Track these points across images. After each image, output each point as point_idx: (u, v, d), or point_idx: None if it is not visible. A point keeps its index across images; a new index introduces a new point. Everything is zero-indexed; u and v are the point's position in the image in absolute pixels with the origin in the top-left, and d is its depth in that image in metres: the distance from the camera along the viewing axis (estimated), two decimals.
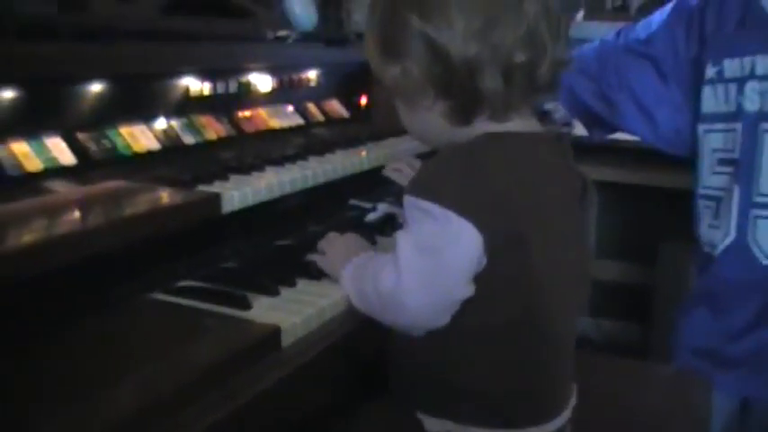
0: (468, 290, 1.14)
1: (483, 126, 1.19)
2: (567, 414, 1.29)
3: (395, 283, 1.14)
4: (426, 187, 1.15)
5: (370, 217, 1.68)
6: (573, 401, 1.31)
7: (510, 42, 1.13)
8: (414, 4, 1.16)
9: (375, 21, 1.23)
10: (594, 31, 2.67)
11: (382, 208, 1.69)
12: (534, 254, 1.16)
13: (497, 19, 1.13)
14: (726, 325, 1.88)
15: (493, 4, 1.14)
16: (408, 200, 1.16)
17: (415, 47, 1.16)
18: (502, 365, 1.20)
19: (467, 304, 1.15)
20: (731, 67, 1.84)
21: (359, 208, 1.80)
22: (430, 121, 1.23)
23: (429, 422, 1.23)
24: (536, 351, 1.21)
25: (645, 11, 2.23)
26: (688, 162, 1.99)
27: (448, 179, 1.15)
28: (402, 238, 1.16)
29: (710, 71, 1.88)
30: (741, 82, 1.82)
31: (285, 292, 1.30)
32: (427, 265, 1.13)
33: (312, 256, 1.41)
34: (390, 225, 1.64)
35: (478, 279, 1.14)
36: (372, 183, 1.81)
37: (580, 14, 3.17)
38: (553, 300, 1.21)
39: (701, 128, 1.91)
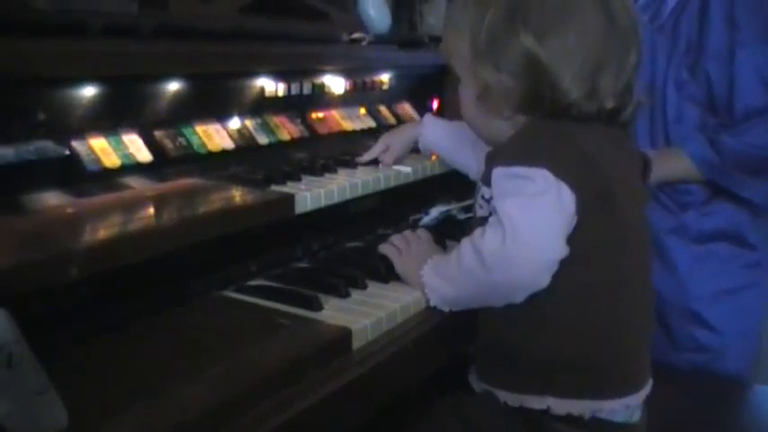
0: (564, 249, 1.16)
1: None
2: (646, 390, 1.30)
3: (501, 241, 1.16)
4: (519, 155, 1.19)
5: (425, 221, 1.68)
6: (650, 381, 1.32)
7: (609, 90, 1.20)
8: (531, 23, 1.18)
9: (482, 19, 1.23)
10: None
11: (435, 211, 1.68)
12: (619, 212, 1.21)
13: (605, 65, 1.19)
14: None
15: (606, 47, 1.19)
16: (501, 171, 1.20)
17: (520, 63, 1.19)
18: (596, 331, 1.23)
19: (562, 267, 1.17)
20: None
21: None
22: (499, 127, 1.28)
23: (527, 400, 1.24)
24: (625, 314, 1.25)
25: None
26: None
27: (538, 144, 1.20)
28: (502, 202, 1.18)
29: None
30: None
31: (356, 294, 1.30)
32: (530, 222, 1.16)
33: (384, 248, 1.41)
34: (449, 226, 1.65)
35: (571, 239, 1.17)
36: (442, 187, 1.80)
37: None
38: (637, 260, 1.28)
39: None
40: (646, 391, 1.30)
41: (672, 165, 1.95)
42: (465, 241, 1.23)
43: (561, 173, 1.15)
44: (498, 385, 1.29)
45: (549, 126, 1.22)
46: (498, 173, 1.21)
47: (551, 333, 1.23)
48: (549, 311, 1.21)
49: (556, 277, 1.18)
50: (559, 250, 1.16)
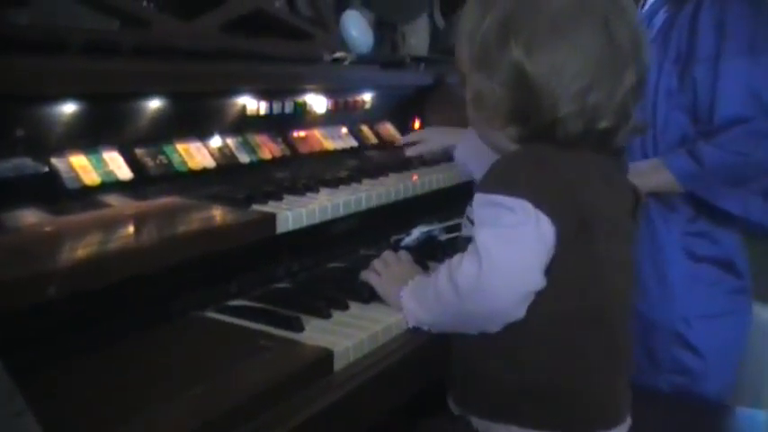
0: (542, 280, 1.15)
1: None
2: (624, 427, 1.28)
3: (477, 272, 1.14)
4: (499, 182, 1.18)
5: (407, 241, 1.67)
6: (629, 420, 1.29)
7: (601, 109, 1.17)
8: (522, 35, 1.17)
9: (479, 27, 1.22)
10: None
11: (416, 232, 1.68)
12: (598, 245, 1.19)
13: (597, 83, 1.16)
14: None
15: (599, 67, 1.16)
16: (481, 198, 1.18)
17: (509, 74, 1.18)
18: (567, 363, 1.21)
19: (538, 297, 1.15)
20: None
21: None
22: (495, 135, 1.27)
23: (494, 428, 1.23)
24: (599, 348, 1.23)
25: None
26: None
27: (519, 172, 1.18)
28: (480, 231, 1.17)
29: None
30: None
31: (337, 315, 1.29)
32: (507, 253, 1.14)
33: (365, 275, 1.40)
34: (429, 248, 1.64)
35: (548, 270, 1.15)
36: (424, 208, 1.79)
37: None
38: (615, 295, 1.24)
39: None
40: (621, 430, 1.26)
41: (655, 178, 1.95)
42: (443, 267, 1.22)
43: (541, 203, 1.13)
44: (469, 411, 1.28)
45: (532, 152, 1.21)
46: (477, 199, 1.19)
47: (518, 363, 1.21)
48: (519, 341, 1.20)
49: (530, 308, 1.16)
50: (537, 282, 1.14)
